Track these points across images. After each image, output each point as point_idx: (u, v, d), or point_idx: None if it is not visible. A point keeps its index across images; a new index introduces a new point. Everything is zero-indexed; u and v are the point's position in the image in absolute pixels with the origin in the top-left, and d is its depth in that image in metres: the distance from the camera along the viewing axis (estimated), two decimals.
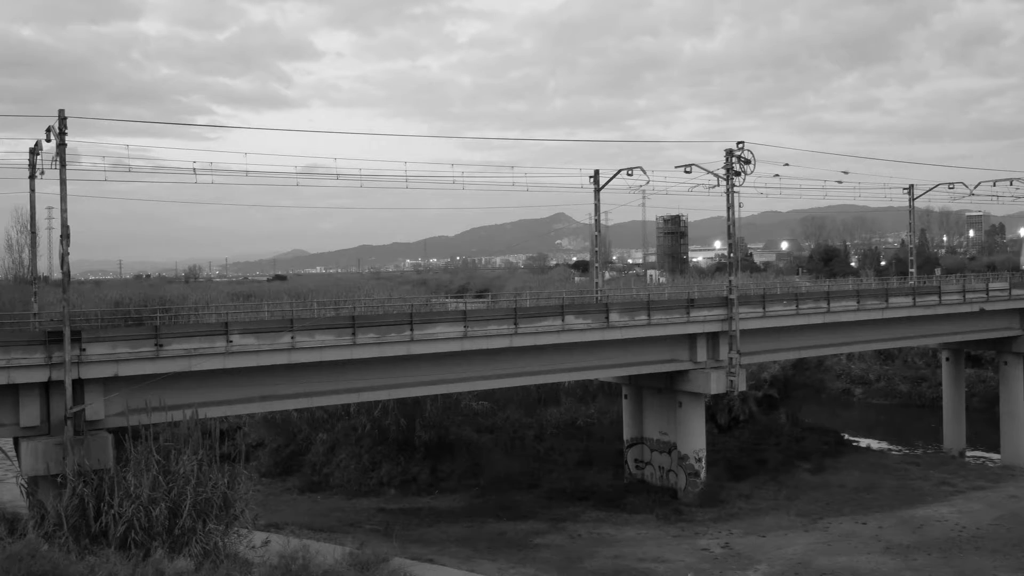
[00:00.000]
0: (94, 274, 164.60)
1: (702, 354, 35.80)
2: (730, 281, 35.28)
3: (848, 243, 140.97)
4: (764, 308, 36.99)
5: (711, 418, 41.98)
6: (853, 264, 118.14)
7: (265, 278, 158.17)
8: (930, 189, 52.07)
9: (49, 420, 23.43)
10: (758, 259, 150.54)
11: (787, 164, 39.13)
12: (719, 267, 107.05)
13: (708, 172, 35.86)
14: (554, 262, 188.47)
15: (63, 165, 23.51)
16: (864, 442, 50.90)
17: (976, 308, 43.55)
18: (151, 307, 46.70)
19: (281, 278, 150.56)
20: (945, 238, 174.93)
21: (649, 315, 33.65)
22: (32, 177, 30.33)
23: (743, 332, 35.52)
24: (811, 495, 36.77)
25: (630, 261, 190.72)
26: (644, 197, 47.74)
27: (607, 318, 32.68)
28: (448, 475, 39.47)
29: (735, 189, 35.33)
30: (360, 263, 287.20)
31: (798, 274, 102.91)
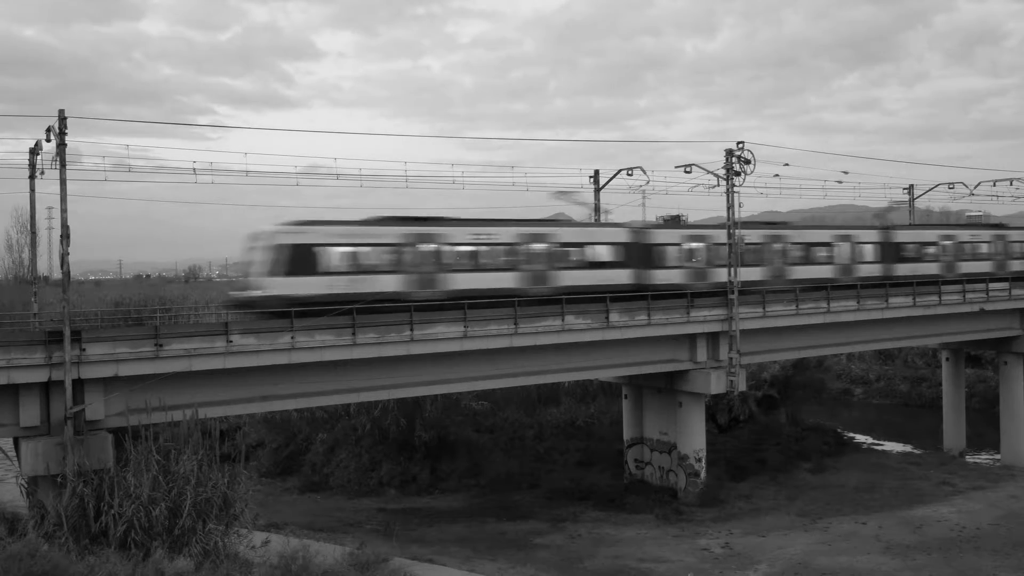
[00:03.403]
0: (94, 274, 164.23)
1: (702, 354, 35.80)
2: (730, 281, 35.27)
3: None
4: (764, 308, 36.98)
5: (711, 418, 41.97)
6: None
7: None
8: (930, 189, 52.14)
9: (49, 420, 23.41)
10: None
11: (787, 164, 39.09)
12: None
13: (708, 172, 35.83)
14: None
15: (63, 165, 23.50)
16: (864, 442, 50.93)
17: (976, 308, 43.53)
18: (151, 307, 46.67)
19: None
20: None
21: (649, 315, 33.63)
22: (32, 177, 30.36)
23: (743, 332, 35.52)
24: (811, 495, 36.78)
25: None
26: (644, 197, 47.64)
27: (607, 318, 32.68)
28: (448, 475, 39.48)
29: (735, 189, 35.30)
30: None
31: None
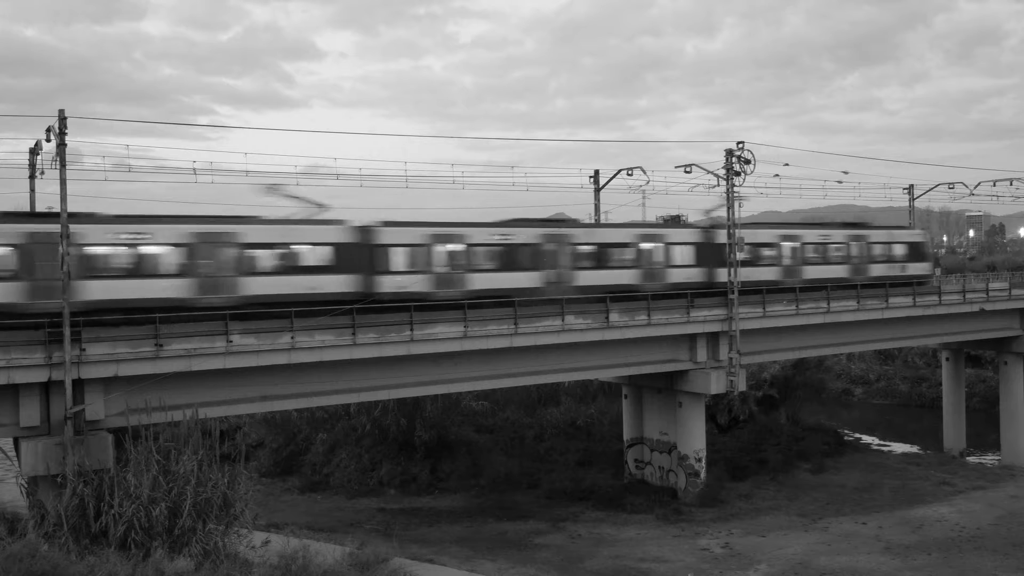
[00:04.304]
0: None
1: (702, 354, 35.80)
2: (730, 281, 35.28)
3: None
4: (764, 308, 36.99)
5: (711, 418, 41.99)
6: None
7: None
8: (930, 189, 52.15)
9: (49, 420, 23.42)
10: None
11: (787, 164, 39.24)
12: None
13: (708, 172, 35.90)
14: None
15: (63, 165, 23.52)
16: (864, 442, 50.94)
17: (976, 308, 43.56)
18: None
19: None
20: (945, 238, 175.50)
21: (649, 315, 33.64)
22: (32, 177, 30.40)
23: (743, 332, 35.53)
24: (811, 495, 36.80)
25: None
26: (644, 197, 47.67)
27: (607, 318, 32.68)
28: (448, 475, 39.48)
29: (735, 189, 35.33)
30: None
31: None
